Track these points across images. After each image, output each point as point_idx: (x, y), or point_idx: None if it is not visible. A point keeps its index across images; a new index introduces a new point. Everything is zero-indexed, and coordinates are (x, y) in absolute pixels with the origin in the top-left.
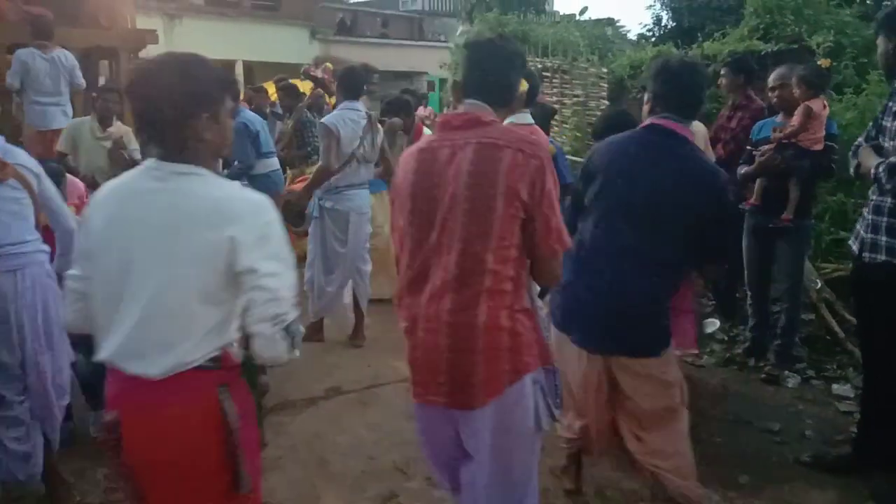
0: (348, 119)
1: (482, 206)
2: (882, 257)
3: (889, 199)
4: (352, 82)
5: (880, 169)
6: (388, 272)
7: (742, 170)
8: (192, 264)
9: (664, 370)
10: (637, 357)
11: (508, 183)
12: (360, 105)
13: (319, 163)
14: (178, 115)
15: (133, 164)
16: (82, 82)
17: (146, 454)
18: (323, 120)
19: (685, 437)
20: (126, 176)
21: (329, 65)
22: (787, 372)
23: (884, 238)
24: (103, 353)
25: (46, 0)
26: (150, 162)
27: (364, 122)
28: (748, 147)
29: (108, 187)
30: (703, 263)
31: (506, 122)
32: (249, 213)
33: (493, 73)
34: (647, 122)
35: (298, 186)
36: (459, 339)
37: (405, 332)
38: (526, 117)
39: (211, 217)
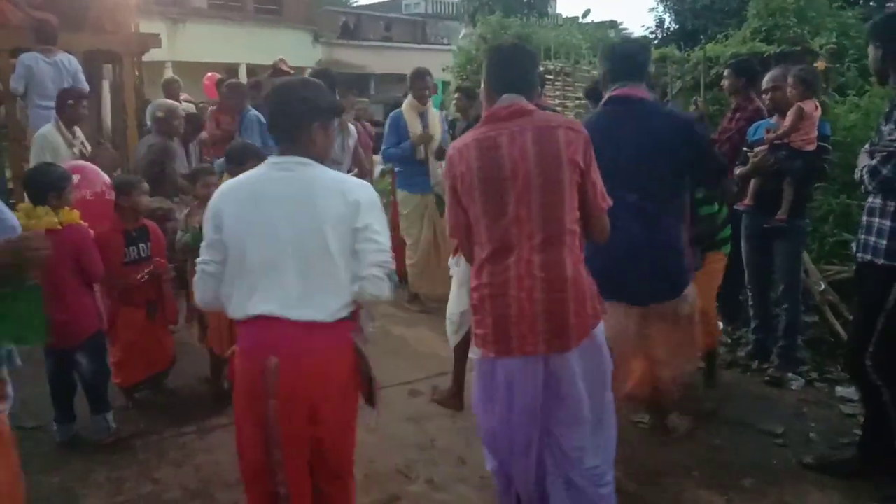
0: None
1: (553, 178)
2: (868, 256)
3: (878, 201)
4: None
5: (864, 171)
6: None
7: (738, 171)
8: (332, 224)
9: (683, 304)
10: (669, 300)
11: (569, 155)
12: None
13: None
14: (301, 119)
15: (113, 163)
16: (86, 86)
17: (306, 389)
18: None
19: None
20: (252, 172)
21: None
22: (790, 374)
23: (872, 238)
24: (263, 308)
25: (51, 4)
26: (271, 159)
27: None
28: (744, 148)
29: (231, 183)
30: (716, 187)
31: None
32: (362, 186)
33: (522, 71)
34: (605, 97)
35: None
36: (554, 291)
37: (487, 298)
38: None
39: (340, 187)
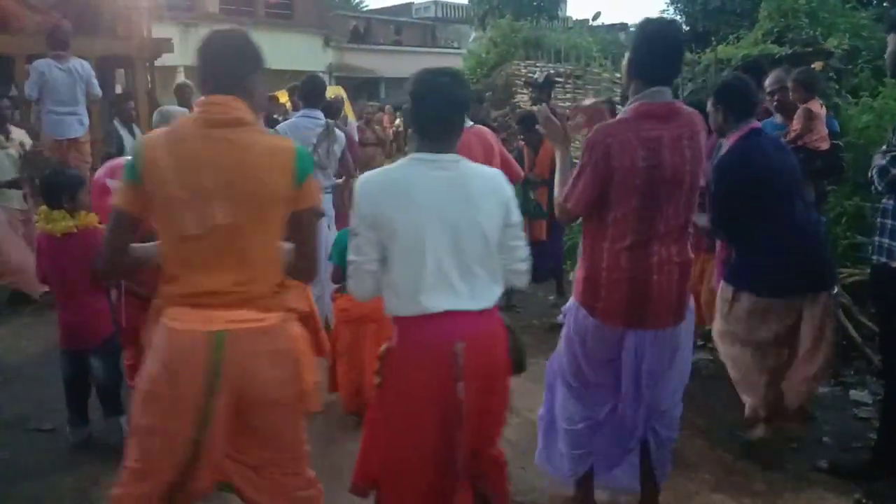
0: (301, 126)
1: (693, 180)
2: (883, 259)
3: (891, 202)
4: (311, 90)
5: (874, 172)
6: None
7: None
8: (490, 221)
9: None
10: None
11: (702, 157)
12: (319, 113)
13: None
14: (462, 120)
15: (47, 164)
16: (98, 91)
17: (486, 367)
18: (277, 128)
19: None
20: (401, 169)
21: None
22: None
23: (886, 240)
24: (438, 301)
25: (65, 10)
26: (422, 156)
27: (320, 129)
28: None
29: (380, 180)
30: None
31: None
32: (507, 183)
33: (673, 60)
34: (744, 129)
35: None
36: (683, 274)
37: (625, 281)
38: None
39: (494, 186)
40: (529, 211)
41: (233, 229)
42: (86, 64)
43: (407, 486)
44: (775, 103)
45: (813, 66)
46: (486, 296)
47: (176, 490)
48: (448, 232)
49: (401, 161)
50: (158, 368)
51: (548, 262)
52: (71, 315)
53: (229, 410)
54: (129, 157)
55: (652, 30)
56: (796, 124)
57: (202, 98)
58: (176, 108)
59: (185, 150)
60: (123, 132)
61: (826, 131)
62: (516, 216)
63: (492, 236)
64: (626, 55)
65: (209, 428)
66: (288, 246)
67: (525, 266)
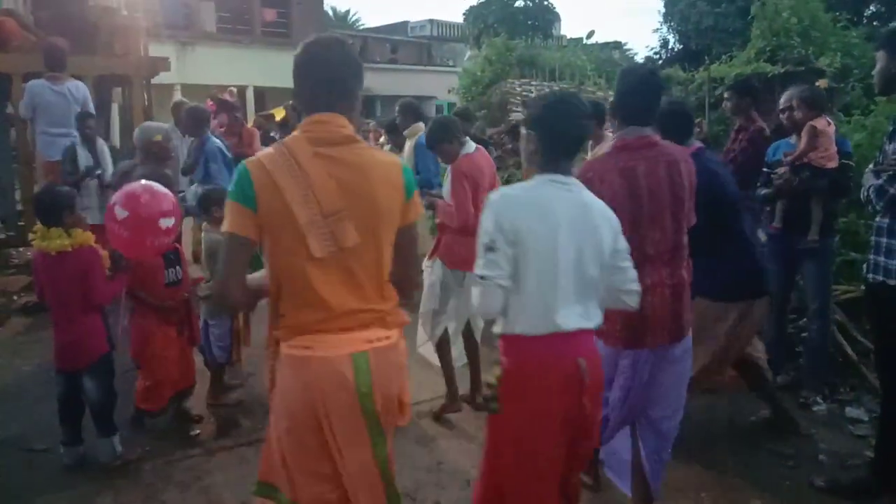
0: None
1: (679, 205)
2: (880, 277)
3: (886, 220)
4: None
5: (870, 190)
6: None
7: (762, 192)
8: (605, 244)
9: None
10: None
11: (688, 184)
12: None
13: None
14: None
15: None
16: (93, 113)
17: (598, 381)
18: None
19: None
20: (538, 188)
21: (233, 89)
22: (818, 398)
23: (882, 258)
24: (565, 320)
25: (62, 28)
26: (553, 177)
27: None
28: (764, 169)
29: (518, 197)
30: None
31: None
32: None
33: (654, 104)
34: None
35: None
36: (676, 295)
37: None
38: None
39: (608, 213)
40: None
41: (357, 249)
42: (81, 85)
43: (538, 499)
44: (786, 121)
45: (818, 83)
46: (596, 315)
47: None
48: (574, 253)
49: (534, 181)
50: (301, 403)
51: None
52: (64, 334)
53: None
54: (232, 181)
55: (631, 81)
56: (802, 142)
57: (309, 117)
58: (157, 125)
59: (303, 173)
60: (82, 150)
61: (835, 149)
62: (623, 242)
63: (604, 260)
64: (612, 97)
65: (385, 451)
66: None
67: (637, 286)
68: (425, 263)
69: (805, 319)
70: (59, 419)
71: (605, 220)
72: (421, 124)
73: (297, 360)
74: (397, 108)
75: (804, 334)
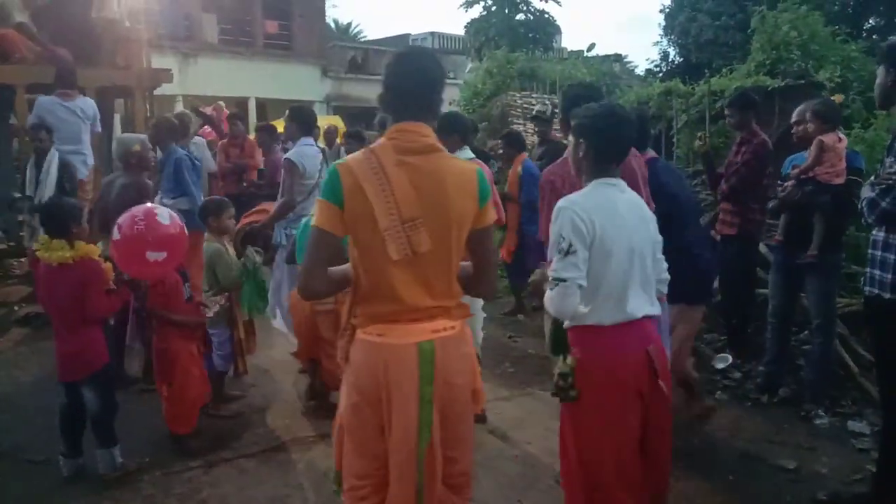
0: (307, 154)
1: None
2: (876, 290)
3: (881, 234)
4: (305, 120)
5: (864, 204)
6: None
7: (770, 205)
8: (655, 237)
9: None
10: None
11: (638, 185)
12: (313, 140)
13: (283, 197)
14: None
15: None
16: (100, 131)
17: (665, 365)
18: (287, 156)
19: None
20: (600, 192)
21: (221, 103)
22: (820, 411)
23: (878, 272)
24: (638, 310)
25: (65, 41)
26: (608, 181)
27: (320, 156)
28: (779, 181)
29: (593, 200)
30: None
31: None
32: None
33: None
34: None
35: (252, 219)
36: None
37: None
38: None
39: (648, 210)
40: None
41: (430, 253)
42: (91, 102)
43: (625, 481)
44: (797, 135)
45: (833, 97)
46: (656, 302)
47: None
48: (636, 247)
49: (591, 186)
50: (368, 380)
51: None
52: (65, 344)
53: (439, 417)
54: (324, 181)
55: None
56: (809, 156)
57: (396, 125)
58: (135, 136)
59: (385, 179)
60: (32, 170)
61: (843, 166)
62: (659, 235)
63: (655, 252)
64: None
65: (429, 437)
66: (464, 263)
67: (668, 276)
68: None
69: (807, 333)
70: (59, 430)
71: (650, 216)
72: None
73: (370, 345)
74: None
75: (806, 347)
